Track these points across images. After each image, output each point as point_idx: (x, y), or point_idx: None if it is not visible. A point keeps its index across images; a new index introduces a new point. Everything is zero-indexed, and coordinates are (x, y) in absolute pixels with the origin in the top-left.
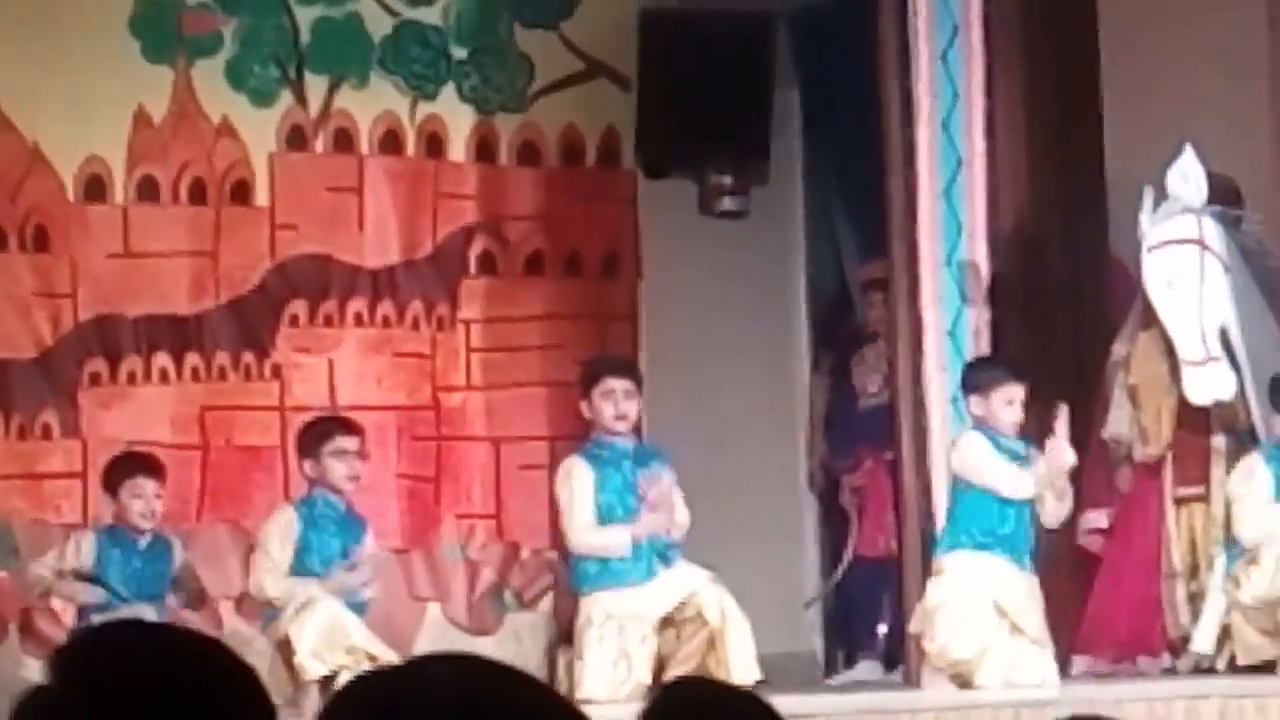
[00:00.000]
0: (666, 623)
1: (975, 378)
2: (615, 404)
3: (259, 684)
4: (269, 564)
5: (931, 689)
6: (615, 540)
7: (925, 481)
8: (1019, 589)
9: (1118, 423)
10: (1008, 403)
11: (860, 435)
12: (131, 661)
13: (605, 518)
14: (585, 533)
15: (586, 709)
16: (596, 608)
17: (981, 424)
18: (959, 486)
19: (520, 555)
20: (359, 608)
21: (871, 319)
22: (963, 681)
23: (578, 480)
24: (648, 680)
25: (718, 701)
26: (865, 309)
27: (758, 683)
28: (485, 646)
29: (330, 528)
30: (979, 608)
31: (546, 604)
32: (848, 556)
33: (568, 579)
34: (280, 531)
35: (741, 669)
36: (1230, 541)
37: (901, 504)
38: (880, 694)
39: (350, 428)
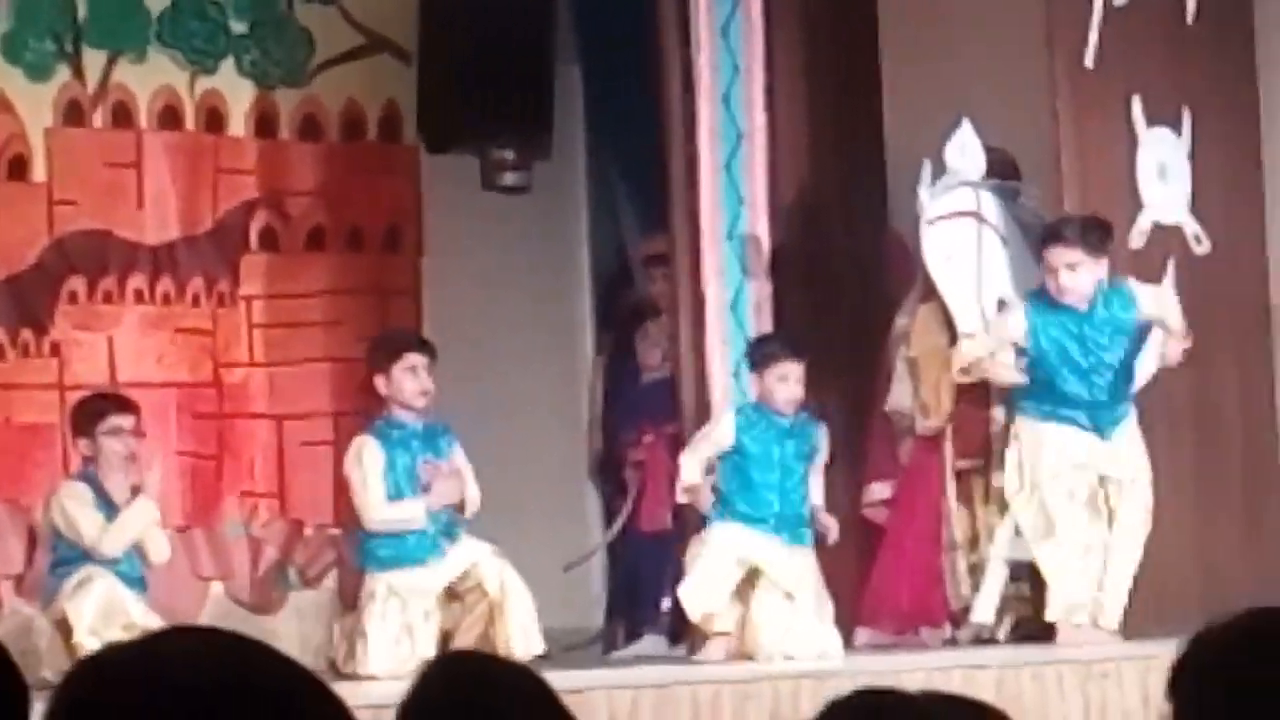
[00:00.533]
0: (452, 596)
1: (750, 354)
2: (419, 379)
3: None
4: None
5: (712, 663)
6: (411, 512)
7: None
8: (784, 560)
9: (899, 396)
10: (781, 379)
11: (643, 410)
12: None
13: (394, 496)
14: (380, 509)
15: (369, 685)
16: (380, 584)
17: (760, 400)
18: (724, 459)
19: (304, 532)
20: (138, 584)
21: (654, 294)
22: (745, 654)
23: (369, 458)
24: (431, 655)
25: (487, 674)
26: (647, 284)
27: (540, 656)
28: (268, 624)
29: (107, 511)
30: (724, 572)
31: (330, 581)
32: (616, 526)
33: (353, 557)
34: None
35: (522, 641)
36: None
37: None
38: (661, 667)
39: (125, 405)
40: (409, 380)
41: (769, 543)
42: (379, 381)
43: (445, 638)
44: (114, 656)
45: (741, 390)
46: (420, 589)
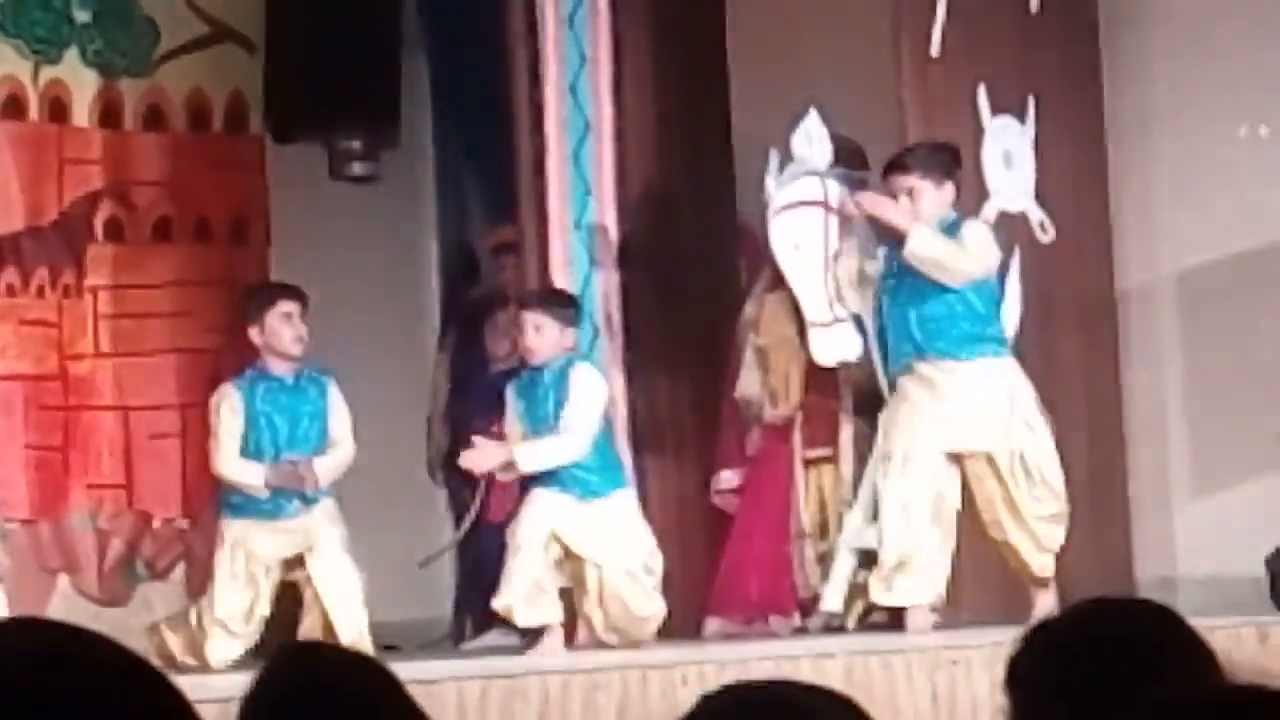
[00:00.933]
0: (299, 561)
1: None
2: (293, 325)
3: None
4: None
5: (553, 653)
6: (253, 478)
7: None
8: (582, 521)
9: (748, 384)
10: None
11: (492, 401)
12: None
13: (250, 452)
14: (227, 465)
15: (213, 678)
16: (230, 531)
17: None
18: None
19: (152, 525)
20: None
21: (503, 283)
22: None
23: (227, 409)
24: (267, 612)
25: (332, 666)
26: (496, 273)
27: (390, 648)
28: (117, 617)
29: None
30: (532, 545)
31: (179, 573)
32: (469, 520)
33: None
34: None
35: (347, 628)
36: None
37: None
38: (510, 658)
39: None
40: (286, 328)
41: (568, 504)
42: (253, 332)
43: (289, 591)
44: None
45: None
46: (260, 545)
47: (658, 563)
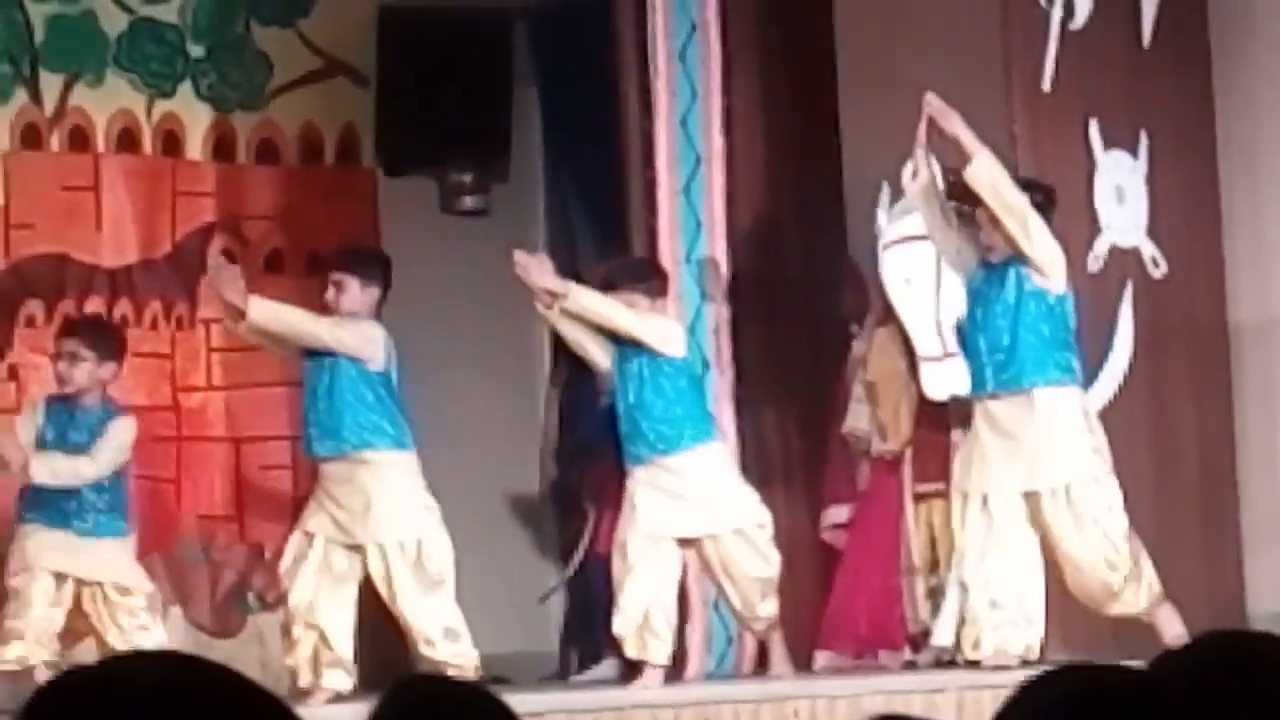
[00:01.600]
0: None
1: None
2: (346, 289)
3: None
4: None
5: (654, 687)
6: None
7: None
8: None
9: (857, 419)
10: None
11: (601, 433)
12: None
13: None
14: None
15: (332, 709)
16: None
17: None
18: None
19: (264, 556)
20: None
21: None
22: None
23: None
24: None
25: (446, 697)
26: None
27: (497, 680)
28: (228, 648)
29: None
30: (644, 562)
31: None
32: (580, 552)
33: None
34: None
35: None
36: None
37: None
38: (618, 691)
39: None
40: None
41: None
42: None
43: (394, 624)
44: (74, 681)
45: None
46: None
47: (766, 516)
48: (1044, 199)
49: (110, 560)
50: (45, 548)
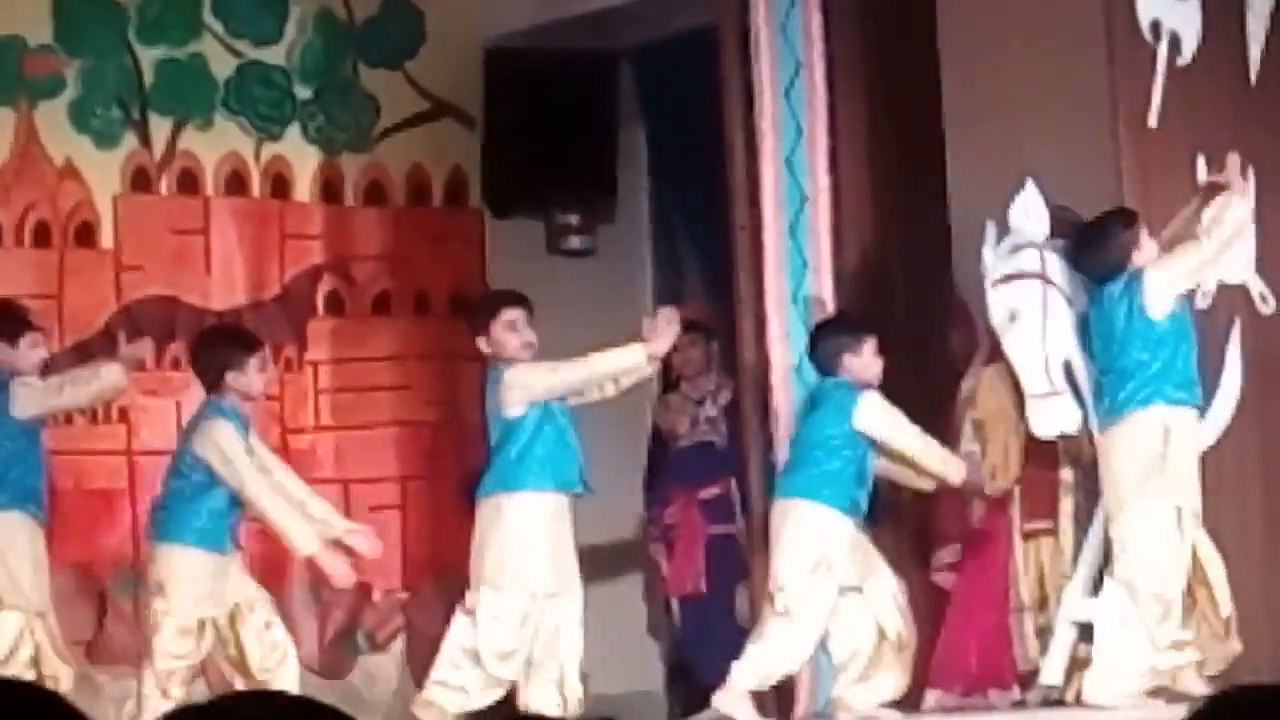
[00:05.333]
0: None
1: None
2: (519, 332)
3: None
4: None
5: None
6: None
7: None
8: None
9: (966, 458)
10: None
11: (672, 476)
12: None
13: None
14: None
15: None
16: None
17: None
18: None
19: (372, 597)
20: None
21: (675, 362)
22: None
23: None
24: None
25: None
26: (683, 350)
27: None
28: (338, 689)
29: None
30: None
31: (399, 645)
32: (672, 596)
33: None
34: None
35: None
36: None
37: (750, 539)
38: None
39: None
40: (512, 336)
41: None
42: (481, 343)
43: None
44: (186, 716)
45: None
46: None
47: None
48: (1074, 228)
49: None
50: None
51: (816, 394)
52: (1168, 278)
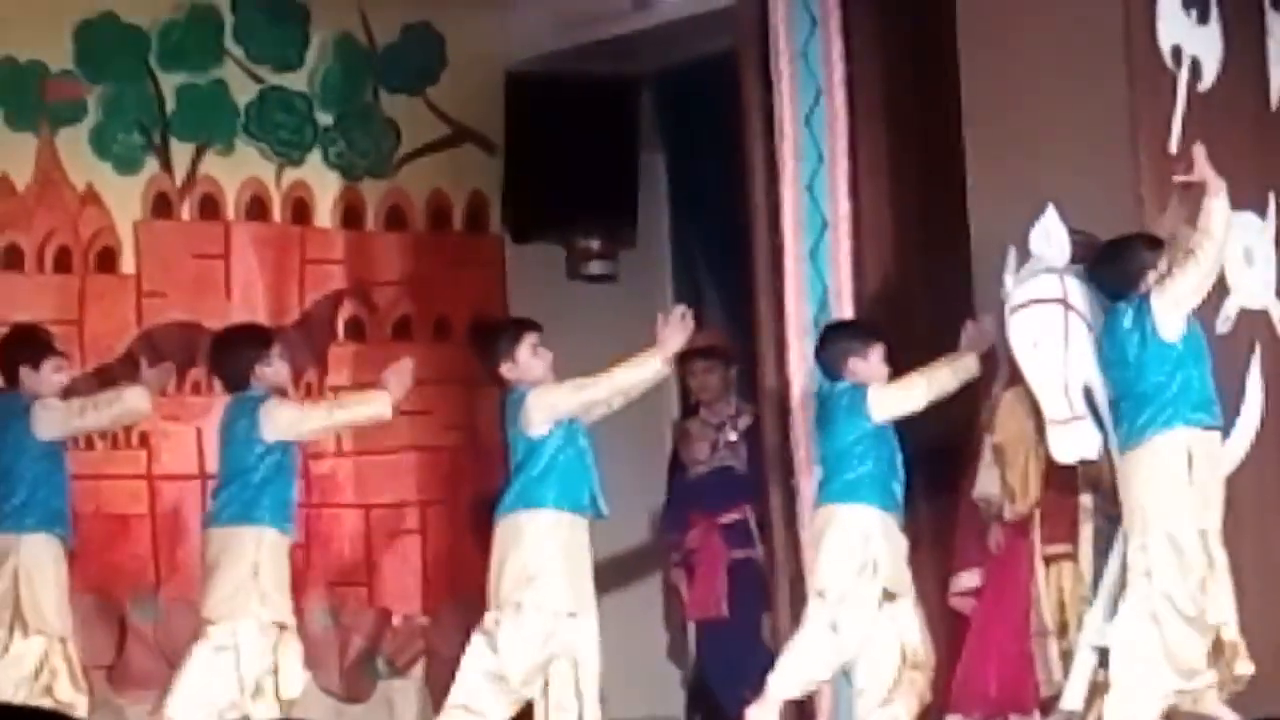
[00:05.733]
0: None
1: None
2: (541, 356)
3: None
4: None
5: None
6: None
7: (795, 542)
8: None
9: (986, 483)
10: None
11: (692, 502)
12: None
13: None
14: None
15: None
16: None
17: None
18: None
19: (392, 621)
20: None
21: (693, 387)
22: None
23: None
24: None
25: None
26: (700, 376)
27: None
28: (358, 714)
29: None
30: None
31: (419, 670)
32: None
33: None
34: None
35: None
36: None
37: (772, 564)
38: None
39: None
40: (539, 361)
41: None
42: (507, 368)
43: None
44: None
45: None
46: None
47: None
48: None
49: None
50: None
51: (825, 401)
52: (1173, 300)
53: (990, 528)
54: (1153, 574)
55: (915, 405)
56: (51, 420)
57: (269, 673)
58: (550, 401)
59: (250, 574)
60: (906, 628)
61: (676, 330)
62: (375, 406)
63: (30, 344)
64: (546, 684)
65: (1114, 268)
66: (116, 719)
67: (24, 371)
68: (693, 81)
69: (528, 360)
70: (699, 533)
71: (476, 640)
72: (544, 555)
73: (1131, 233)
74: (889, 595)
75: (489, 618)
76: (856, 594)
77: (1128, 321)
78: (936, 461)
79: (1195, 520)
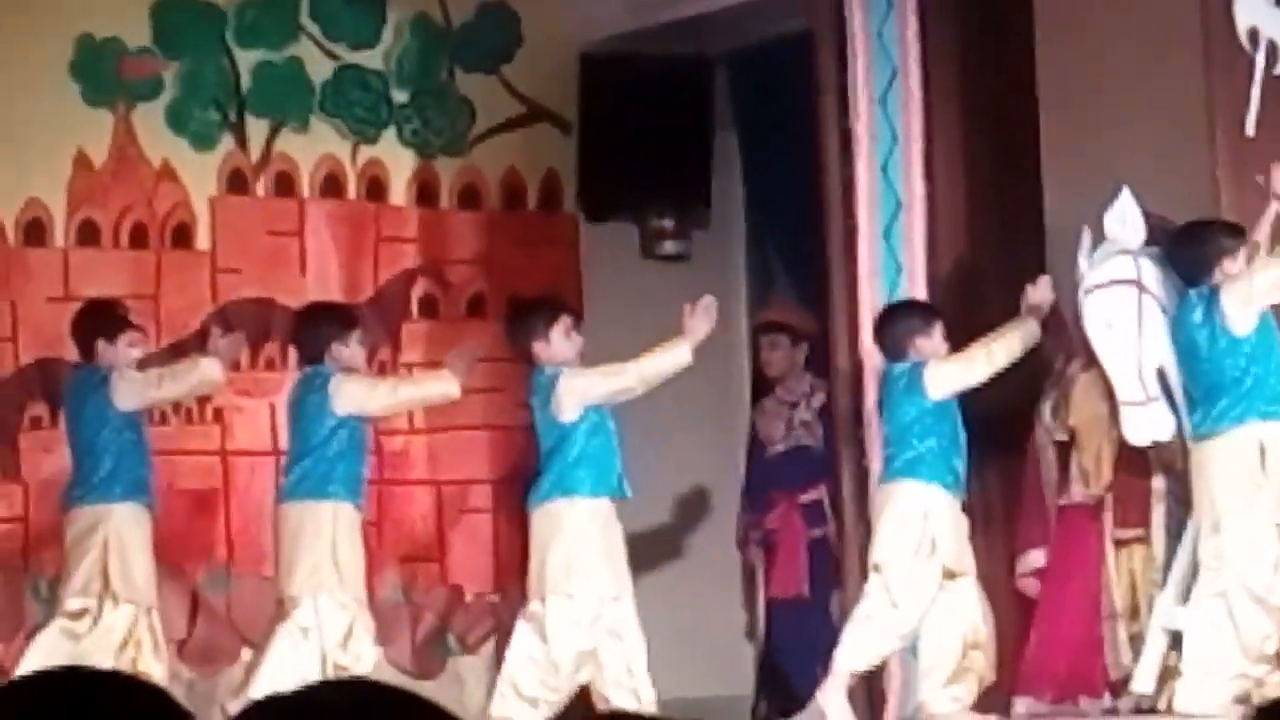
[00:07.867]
0: None
1: None
2: (572, 339)
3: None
4: None
5: None
6: None
7: (866, 522)
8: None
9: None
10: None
11: (772, 481)
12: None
13: None
14: None
15: None
16: None
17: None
18: None
19: (464, 599)
20: None
21: (764, 363)
22: None
23: None
24: None
25: None
26: (765, 352)
27: None
28: (428, 690)
29: None
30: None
31: (489, 647)
32: (774, 599)
33: None
34: None
35: None
36: None
37: (842, 543)
38: None
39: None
40: (571, 344)
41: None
42: (539, 347)
43: None
44: (274, 706)
45: None
46: None
47: None
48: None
49: None
50: None
51: (888, 381)
52: (1244, 296)
53: (1059, 509)
54: (1227, 562)
55: (974, 379)
56: (130, 391)
57: (341, 647)
58: (581, 388)
59: (329, 551)
60: (968, 606)
61: (703, 319)
62: (444, 385)
63: (107, 318)
64: (600, 667)
65: (1191, 251)
66: (186, 692)
67: (101, 345)
68: (767, 61)
69: (560, 341)
70: (780, 512)
71: (521, 628)
72: (587, 542)
73: (1213, 218)
74: (949, 574)
75: (534, 606)
76: (914, 572)
77: (1198, 316)
78: (1006, 441)
79: (1270, 514)
